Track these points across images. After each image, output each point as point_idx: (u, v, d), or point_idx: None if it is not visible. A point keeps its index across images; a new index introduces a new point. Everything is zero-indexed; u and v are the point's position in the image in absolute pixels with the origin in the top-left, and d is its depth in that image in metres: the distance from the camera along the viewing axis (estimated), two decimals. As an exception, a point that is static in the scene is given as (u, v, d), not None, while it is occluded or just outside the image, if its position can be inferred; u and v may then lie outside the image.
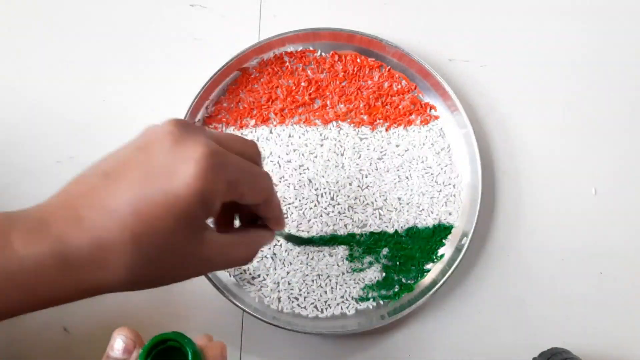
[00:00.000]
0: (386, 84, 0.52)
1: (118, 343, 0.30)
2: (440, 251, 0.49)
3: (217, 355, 0.31)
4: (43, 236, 0.25)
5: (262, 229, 0.34)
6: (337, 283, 0.48)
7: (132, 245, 0.25)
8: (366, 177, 0.50)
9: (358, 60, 0.52)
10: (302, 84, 0.51)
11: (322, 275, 0.48)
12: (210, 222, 0.32)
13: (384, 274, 0.48)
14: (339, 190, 0.49)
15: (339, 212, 0.49)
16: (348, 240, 0.48)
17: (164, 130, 0.27)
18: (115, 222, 0.25)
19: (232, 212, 0.35)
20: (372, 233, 0.48)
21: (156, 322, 0.47)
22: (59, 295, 0.25)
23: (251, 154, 0.31)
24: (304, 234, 0.48)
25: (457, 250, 0.48)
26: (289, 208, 0.48)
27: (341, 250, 0.48)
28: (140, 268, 0.26)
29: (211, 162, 0.26)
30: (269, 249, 0.48)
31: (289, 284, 0.47)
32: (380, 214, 0.49)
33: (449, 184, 0.50)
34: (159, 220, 0.25)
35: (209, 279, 0.45)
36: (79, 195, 0.26)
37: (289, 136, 0.50)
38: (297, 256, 0.48)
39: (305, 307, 0.47)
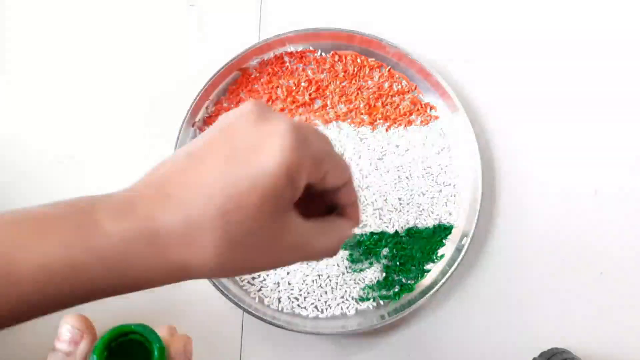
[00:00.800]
0: (386, 84, 0.52)
1: (64, 334, 0.29)
2: (440, 251, 0.49)
3: (179, 349, 0.30)
4: (131, 215, 0.24)
5: (343, 219, 0.32)
6: (337, 283, 0.48)
7: (221, 220, 0.24)
8: (366, 177, 0.50)
9: (358, 60, 0.52)
10: (303, 84, 0.51)
11: (322, 275, 0.48)
12: None
13: (384, 274, 0.48)
14: (339, 190, 0.49)
15: (339, 212, 0.49)
16: (348, 240, 0.48)
17: (246, 109, 0.26)
18: (203, 199, 0.24)
19: (312, 200, 0.32)
20: (372, 233, 0.48)
21: (156, 322, 0.47)
22: (148, 276, 0.24)
23: (326, 140, 0.30)
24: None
25: (457, 250, 0.48)
26: (289, 208, 0.48)
27: (341, 251, 0.48)
28: (227, 247, 0.25)
29: (296, 135, 0.25)
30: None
31: (289, 284, 0.47)
32: (380, 214, 0.49)
33: (449, 184, 0.50)
34: (246, 195, 0.24)
35: (209, 279, 0.45)
36: (164, 176, 0.26)
37: (289, 136, 0.50)
38: (297, 256, 0.48)
39: (305, 307, 0.47)
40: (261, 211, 0.25)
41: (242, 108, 0.27)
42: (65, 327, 0.29)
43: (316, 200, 0.31)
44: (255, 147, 0.25)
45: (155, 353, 0.27)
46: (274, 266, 0.28)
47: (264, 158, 0.25)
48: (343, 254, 0.48)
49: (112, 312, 0.47)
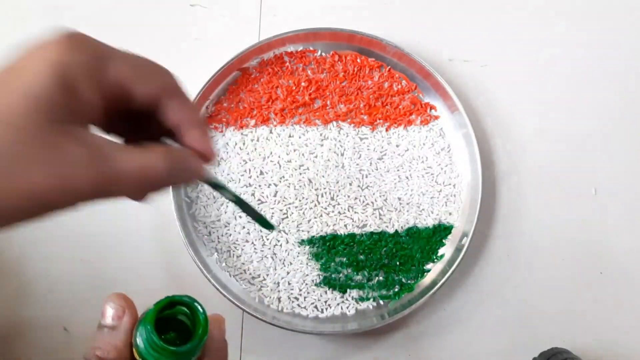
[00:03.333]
0: (386, 84, 0.52)
1: (108, 311, 0.29)
2: (440, 251, 0.49)
3: (216, 326, 0.29)
4: None
5: (182, 148, 0.27)
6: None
7: None
8: (366, 177, 0.50)
9: (358, 60, 0.52)
10: (302, 84, 0.51)
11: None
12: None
13: (384, 274, 0.48)
14: (339, 190, 0.49)
15: (339, 212, 0.49)
16: (348, 240, 0.48)
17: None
18: None
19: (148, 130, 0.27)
20: (372, 233, 0.48)
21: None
22: None
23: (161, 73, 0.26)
24: (304, 234, 0.48)
25: (457, 250, 0.48)
26: (289, 208, 0.48)
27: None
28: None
29: (72, 36, 0.23)
30: (269, 248, 0.48)
31: (289, 284, 0.47)
32: (380, 214, 0.49)
33: (449, 184, 0.50)
34: (14, 107, 0.21)
35: (209, 279, 0.45)
36: None
37: (289, 136, 0.50)
38: (297, 256, 0.48)
39: (305, 307, 0.47)
40: (30, 120, 0.21)
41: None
42: (108, 304, 0.29)
43: (153, 129, 0.27)
44: (29, 57, 0.23)
45: (201, 321, 0.27)
46: (59, 183, 0.22)
47: (33, 63, 0.22)
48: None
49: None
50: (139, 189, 0.25)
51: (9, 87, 0.22)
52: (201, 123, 0.27)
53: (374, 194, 0.49)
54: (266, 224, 0.36)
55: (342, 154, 0.50)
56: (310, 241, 0.48)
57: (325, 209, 0.49)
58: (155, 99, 0.25)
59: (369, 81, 0.52)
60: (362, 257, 0.48)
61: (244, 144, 0.50)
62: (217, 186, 0.31)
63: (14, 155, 0.21)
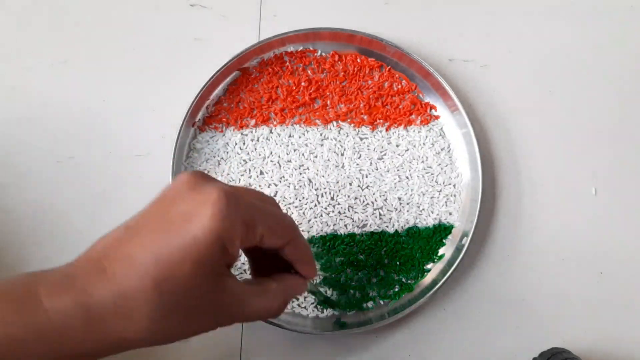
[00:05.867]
0: (386, 84, 0.52)
1: None
2: (441, 251, 0.49)
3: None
4: (68, 289, 0.25)
5: (292, 277, 0.33)
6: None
7: (154, 292, 0.25)
8: (366, 177, 0.50)
9: (358, 60, 0.52)
10: (302, 83, 0.51)
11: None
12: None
13: (384, 274, 0.48)
14: (339, 190, 0.49)
15: (339, 212, 0.49)
16: (348, 240, 0.48)
17: (182, 180, 0.28)
18: (136, 270, 0.25)
19: (266, 262, 0.34)
20: (372, 233, 0.48)
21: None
22: (85, 350, 0.25)
23: (269, 202, 0.32)
24: (304, 234, 0.48)
25: (457, 250, 0.48)
26: (289, 208, 0.48)
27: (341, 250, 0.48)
28: (162, 317, 0.25)
29: (226, 201, 0.26)
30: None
31: (289, 284, 0.47)
32: (380, 214, 0.49)
33: (449, 184, 0.50)
34: (179, 264, 0.25)
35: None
36: (102, 249, 0.27)
37: (289, 136, 0.50)
38: (297, 256, 0.48)
39: (305, 307, 0.47)
40: (194, 278, 0.26)
41: (177, 179, 0.28)
42: None
43: (271, 258, 0.32)
44: (187, 217, 0.26)
45: None
46: (212, 328, 0.29)
47: (194, 227, 0.26)
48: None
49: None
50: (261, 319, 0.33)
51: (172, 242, 0.26)
52: (311, 258, 0.33)
53: (374, 193, 0.49)
54: (323, 297, 0.44)
55: (342, 154, 0.50)
56: (310, 241, 0.48)
57: (325, 209, 0.49)
58: (281, 247, 0.31)
59: (369, 81, 0.52)
60: (362, 257, 0.48)
61: (244, 144, 0.50)
62: (311, 292, 0.43)
63: (181, 313, 0.26)
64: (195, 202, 0.26)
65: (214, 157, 0.49)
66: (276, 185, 0.49)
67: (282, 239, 0.30)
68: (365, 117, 0.51)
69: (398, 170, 0.50)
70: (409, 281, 0.48)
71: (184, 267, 0.25)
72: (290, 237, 0.31)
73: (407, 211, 0.49)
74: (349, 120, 0.51)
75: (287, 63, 0.52)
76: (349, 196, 0.49)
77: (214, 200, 0.26)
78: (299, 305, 0.47)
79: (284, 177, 0.49)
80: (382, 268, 0.48)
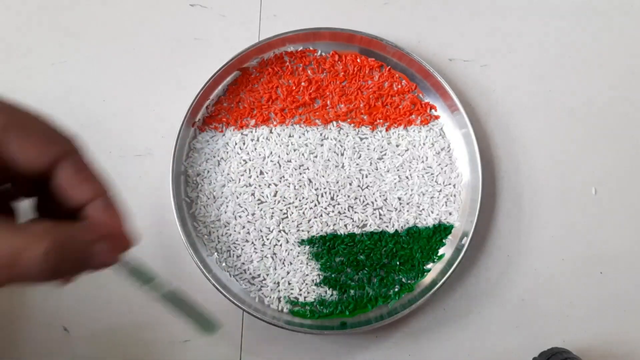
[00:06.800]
0: (386, 84, 0.52)
1: None
2: (440, 251, 0.49)
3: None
4: None
5: (76, 221, 0.21)
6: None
7: None
8: (366, 177, 0.50)
9: (358, 60, 0.52)
10: (302, 83, 0.51)
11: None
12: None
13: (384, 274, 0.48)
14: (339, 190, 0.49)
15: (339, 212, 0.49)
16: (348, 240, 0.48)
17: None
18: None
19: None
20: (372, 233, 0.48)
21: (155, 322, 0.47)
22: None
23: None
24: (304, 234, 0.48)
25: (457, 250, 0.48)
26: (289, 208, 0.48)
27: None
28: None
29: None
30: (269, 248, 0.48)
31: (289, 284, 0.47)
32: (380, 214, 0.49)
33: (449, 184, 0.50)
34: None
35: (209, 279, 0.45)
36: None
37: (289, 136, 0.50)
38: (297, 256, 0.48)
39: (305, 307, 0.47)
40: None
41: None
42: None
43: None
44: None
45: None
46: None
47: None
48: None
49: (111, 312, 0.48)
50: (8, 279, 0.19)
51: None
52: (107, 192, 0.21)
53: (374, 193, 0.49)
54: (207, 325, 0.29)
55: (342, 154, 0.50)
56: (310, 241, 0.48)
57: (325, 208, 0.49)
58: (49, 168, 0.20)
59: (369, 81, 0.52)
60: (362, 257, 0.48)
61: (244, 143, 0.50)
62: (140, 276, 0.24)
63: None
64: None
65: (214, 157, 0.49)
66: (276, 185, 0.49)
67: (41, 149, 0.20)
68: (365, 117, 0.51)
69: (398, 170, 0.50)
70: (409, 281, 0.48)
71: None
72: (61, 149, 0.21)
73: (407, 211, 0.49)
74: (349, 120, 0.51)
75: (287, 63, 0.52)
76: (348, 196, 0.49)
77: None
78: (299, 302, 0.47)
79: (284, 177, 0.49)
80: (382, 268, 0.48)
